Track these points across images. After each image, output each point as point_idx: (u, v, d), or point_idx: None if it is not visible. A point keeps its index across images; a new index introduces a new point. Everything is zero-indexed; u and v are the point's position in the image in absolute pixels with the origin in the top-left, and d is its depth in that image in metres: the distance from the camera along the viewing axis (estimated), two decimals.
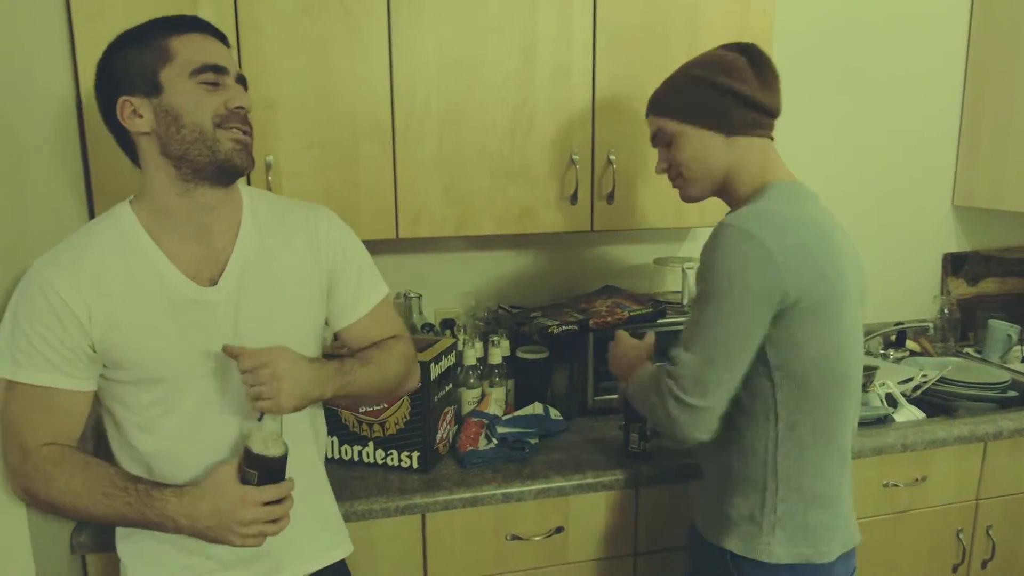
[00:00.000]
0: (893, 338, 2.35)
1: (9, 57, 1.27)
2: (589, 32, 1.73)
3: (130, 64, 1.07)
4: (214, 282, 1.14)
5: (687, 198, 1.40)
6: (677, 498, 1.71)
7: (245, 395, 1.10)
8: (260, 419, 1.09)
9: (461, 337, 1.91)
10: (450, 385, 1.74)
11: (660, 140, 1.37)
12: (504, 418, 1.82)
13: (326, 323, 1.30)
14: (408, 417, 1.62)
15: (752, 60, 1.30)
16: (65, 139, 1.48)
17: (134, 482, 1.08)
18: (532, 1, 1.68)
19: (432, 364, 1.61)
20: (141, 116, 1.07)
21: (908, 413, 1.94)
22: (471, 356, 1.86)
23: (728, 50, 1.32)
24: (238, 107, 1.10)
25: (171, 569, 1.18)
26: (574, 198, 1.78)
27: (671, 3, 1.76)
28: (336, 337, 1.36)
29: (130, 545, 1.20)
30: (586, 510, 1.66)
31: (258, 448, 1.07)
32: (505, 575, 1.64)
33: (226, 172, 1.11)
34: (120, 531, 1.21)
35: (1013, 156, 2.23)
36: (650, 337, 1.57)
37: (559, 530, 1.64)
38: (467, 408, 1.85)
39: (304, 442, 1.26)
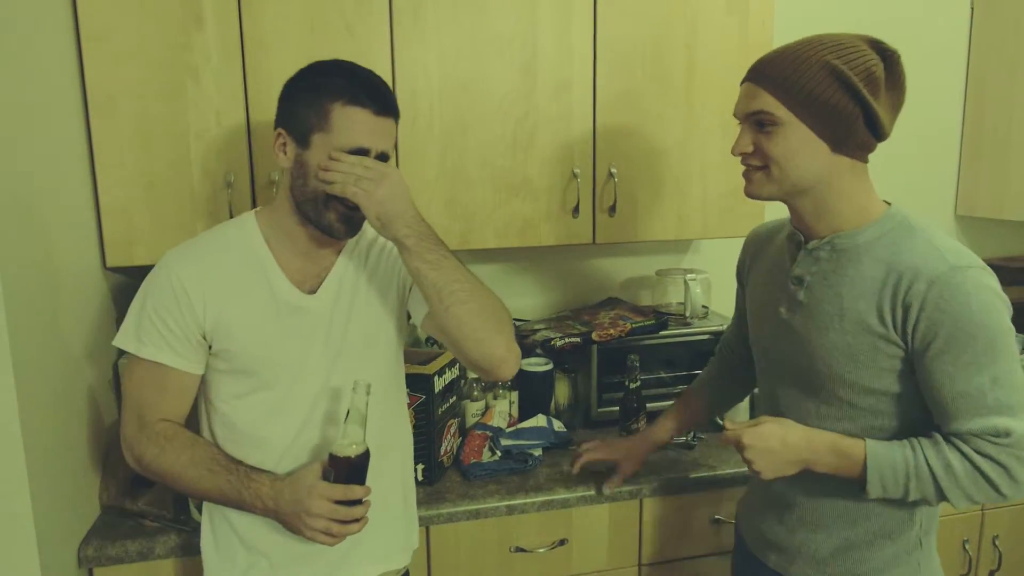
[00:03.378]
0: None
1: (18, 79, 1.29)
2: (589, 47, 1.75)
3: (297, 107, 1.17)
4: (314, 291, 1.25)
5: (754, 195, 1.18)
6: (680, 509, 1.71)
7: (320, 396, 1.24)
8: (345, 421, 1.16)
9: None
10: (454, 397, 1.75)
11: (755, 118, 1.13)
12: (508, 430, 1.82)
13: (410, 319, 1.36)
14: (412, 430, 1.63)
15: (890, 71, 1.10)
16: (74, 156, 1.51)
17: (236, 463, 1.19)
18: (532, 17, 1.70)
19: (436, 377, 1.62)
20: (285, 154, 1.19)
21: None
22: None
23: (871, 47, 1.10)
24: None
25: (237, 564, 1.26)
26: (576, 211, 1.80)
27: (670, 17, 1.78)
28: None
29: (209, 534, 1.29)
30: (589, 522, 1.66)
31: (335, 449, 1.15)
32: None
33: (324, 232, 1.21)
34: (207, 515, 1.29)
35: (1015, 165, 2.23)
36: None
37: (562, 542, 1.65)
38: (471, 420, 1.86)
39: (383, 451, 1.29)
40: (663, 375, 2.02)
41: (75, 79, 1.51)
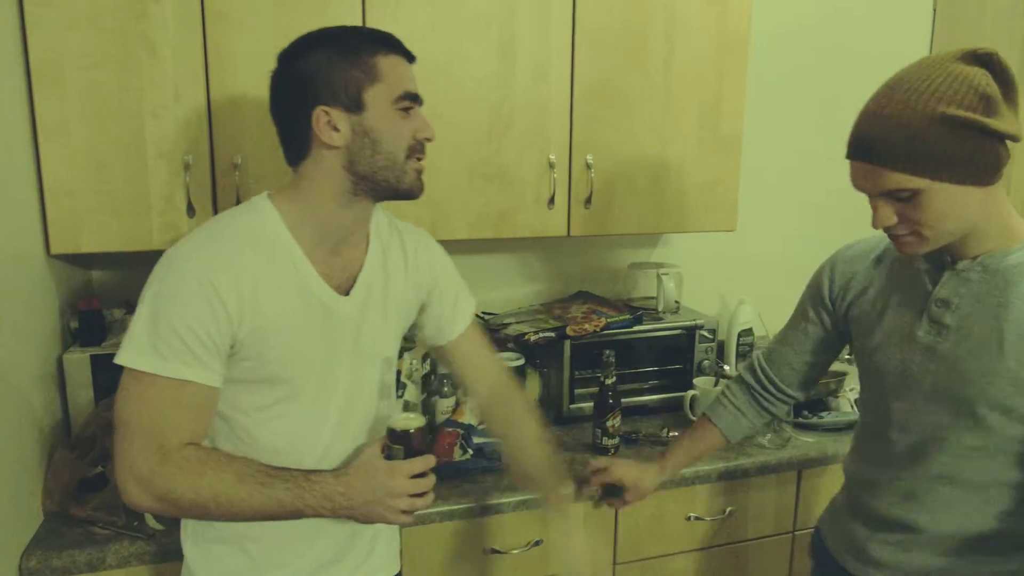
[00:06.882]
0: None
1: None
2: (568, 32, 1.70)
3: (333, 73, 1.06)
4: (343, 290, 1.15)
5: (911, 253, 1.11)
6: (655, 507, 1.69)
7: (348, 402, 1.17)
8: (400, 396, 1.12)
9: None
10: (424, 394, 1.69)
11: (892, 195, 1.05)
12: (479, 427, 1.77)
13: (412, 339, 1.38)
14: None
15: (999, 77, 1.01)
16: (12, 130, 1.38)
17: (284, 469, 1.07)
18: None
19: None
20: (338, 130, 1.07)
21: None
22: None
23: (970, 64, 1.02)
24: (426, 138, 1.13)
25: None
26: (551, 202, 1.75)
27: (649, 5, 1.74)
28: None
29: (199, 549, 1.17)
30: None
31: (400, 424, 1.11)
32: None
33: (400, 197, 1.14)
34: (191, 535, 1.18)
35: None
36: None
37: (538, 543, 1.60)
38: (441, 418, 1.79)
39: None
40: (634, 370, 1.99)
41: (17, 47, 1.38)
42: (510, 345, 1.87)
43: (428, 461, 1.11)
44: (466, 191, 1.70)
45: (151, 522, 1.38)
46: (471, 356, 1.37)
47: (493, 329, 1.90)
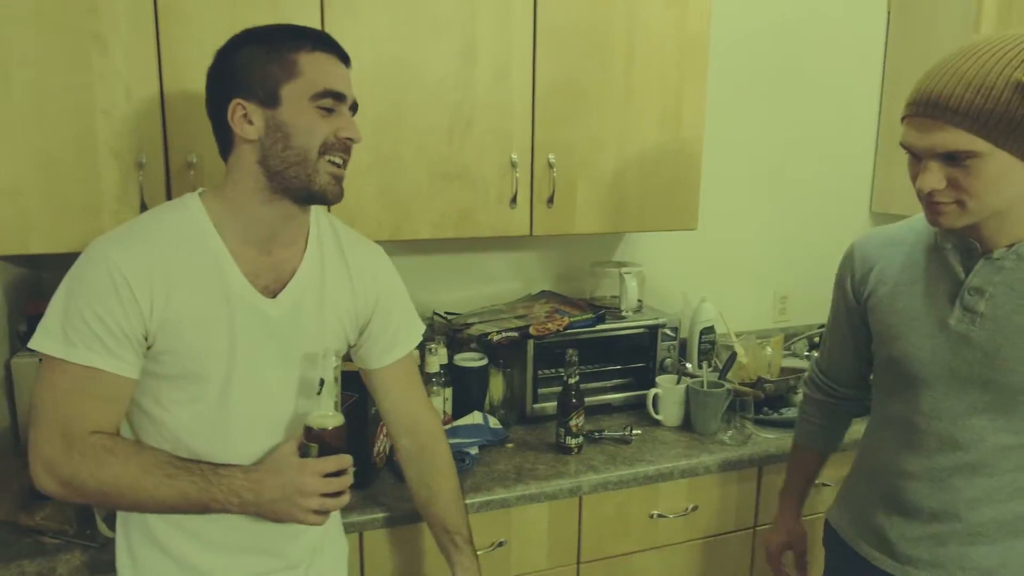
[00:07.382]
0: (817, 339, 2.42)
1: None
2: (529, 32, 1.69)
3: (253, 68, 1.07)
4: (271, 292, 1.14)
5: (945, 225, 1.09)
6: (618, 505, 1.70)
7: (277, 406, 1.16)
8: (319, 393, 1.12)
9: None
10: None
11: (948, 156, 1.03)
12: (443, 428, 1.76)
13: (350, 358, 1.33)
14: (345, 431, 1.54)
15: None
16: None
17: (193, 462, 1.07)
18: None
19: None
20: (251, 123, 1.08)
21: None
22: None
23: None
24: (347, 138, 1.11)
25: None
26: (513, 201, 1.74)
27: (610, 6, 1.75)
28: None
29: (128, 548, 1.16)
30: (529, 521, 1.62)
31: (316, 422, 1.09)
32: None
33: (314, 200, 1.13)
34: (120, 534, 1.17)
35: None
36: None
37: (501, 544, 1.60)
38: None
39: None
40: (597, 369, 2.00)
41: None
42: (473, 345, 1.86)
43: (343, 460, 1.09)
44: (428, 191, 1.68)
45: (103, 530, 1.35)
46: (393, 391, 1.34)
47: (456, 329, 1.90)
